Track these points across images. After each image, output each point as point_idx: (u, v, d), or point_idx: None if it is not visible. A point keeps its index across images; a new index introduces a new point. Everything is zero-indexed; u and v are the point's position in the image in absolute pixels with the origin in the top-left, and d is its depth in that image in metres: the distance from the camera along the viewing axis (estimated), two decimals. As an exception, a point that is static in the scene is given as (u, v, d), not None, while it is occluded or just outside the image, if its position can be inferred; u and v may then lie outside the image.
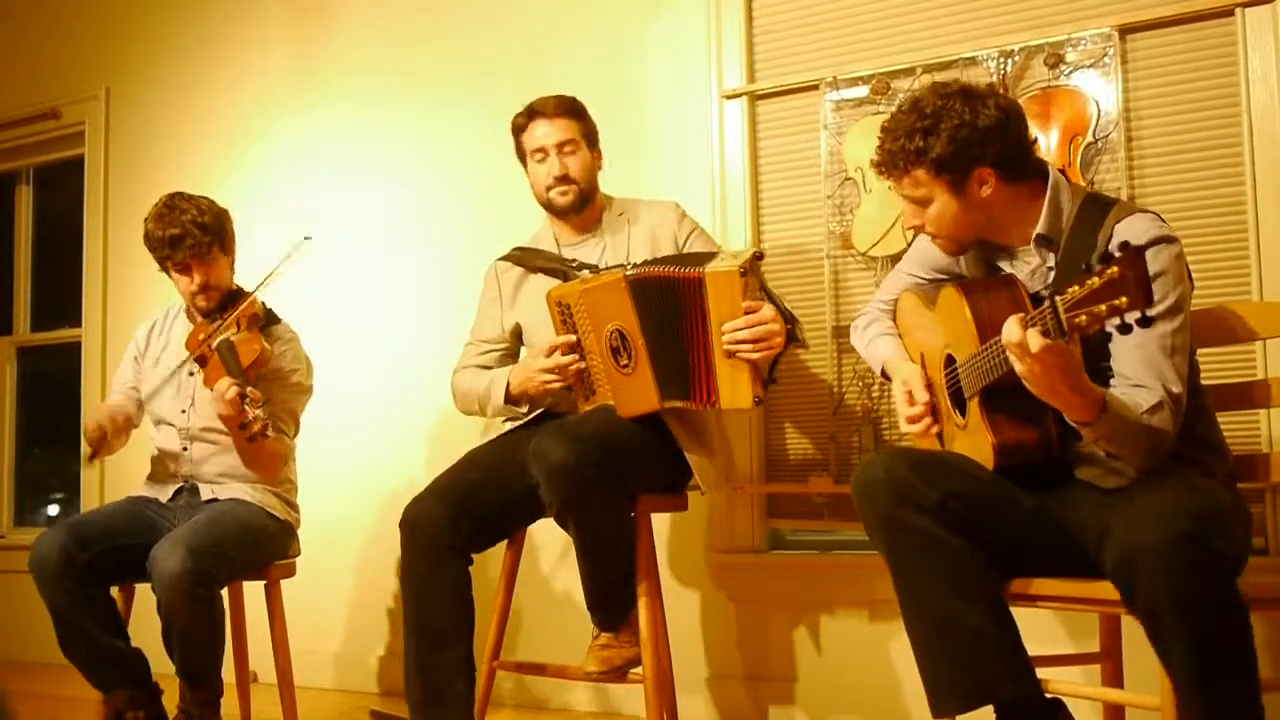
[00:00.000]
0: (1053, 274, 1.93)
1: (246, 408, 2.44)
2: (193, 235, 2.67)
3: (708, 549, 3.06)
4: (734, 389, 2.31)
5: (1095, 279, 1.50)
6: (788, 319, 2.34)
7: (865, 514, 1.89)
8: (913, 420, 2.10)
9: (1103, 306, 1.50)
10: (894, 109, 1.98)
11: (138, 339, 2.97)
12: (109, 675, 2.55)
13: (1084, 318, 1.53)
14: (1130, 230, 1.83)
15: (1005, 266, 2.03)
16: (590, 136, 2.68)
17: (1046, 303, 1.60)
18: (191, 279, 2.73)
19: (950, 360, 2.03)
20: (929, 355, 2.14)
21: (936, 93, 1.92)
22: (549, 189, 2.63)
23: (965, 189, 1.92)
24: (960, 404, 2.01)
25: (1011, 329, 1.65)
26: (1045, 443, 1.90)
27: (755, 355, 2.27)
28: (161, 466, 2.83)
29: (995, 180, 1.92)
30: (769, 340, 2.27)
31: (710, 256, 2.36)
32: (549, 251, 2.69)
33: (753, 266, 2.30)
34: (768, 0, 3.08)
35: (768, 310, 2.27)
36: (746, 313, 2.26)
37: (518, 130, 2.68)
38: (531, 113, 2.65)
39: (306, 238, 2.73)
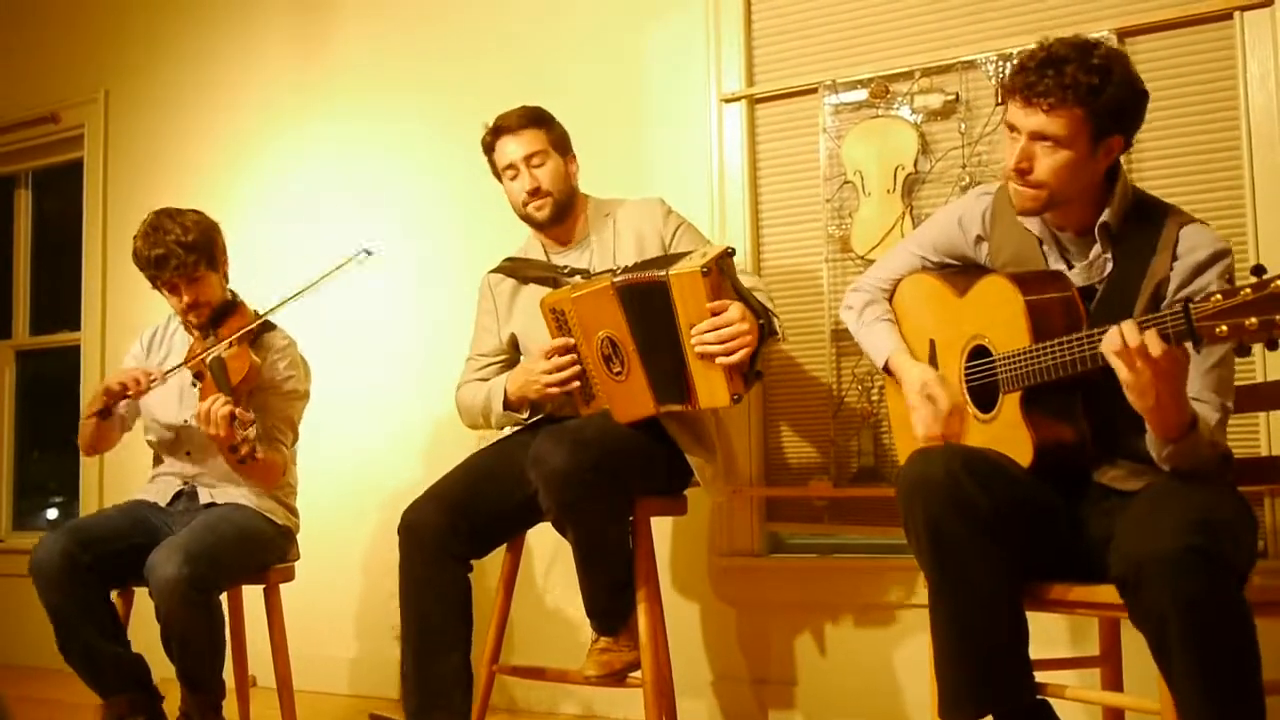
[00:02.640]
0: (1110, 265, 1.91)
1: (235, 429, 2.42)
2: (177, 255, 2.64)
3: (707, 553, 3.05)
4: (710, 388, 2.30)
5: (1249, 290, 1.47)
6: (759, 314, 2.30)
7: (912, 511, 1.81)
8: (933, 438, 2.05)
9: (1254, 320, 1.47)
10: (1040, 43, 1.87)
11: (137, 349, 2.95)
12: (109, 680, 2.54)
13: (1224, 328, 1.49)
14: (1196, 238, 1.85)
15: (1050, 254, 1.99)
16: (559, 143, 2.63)
17: (1176, 307, 1.57)
18: (180, 298, 2.70)
19: (980, 351, 2.00)
20: (942, 343, 2.12)
21: (1097, 44, 1.85)
22: (525, 205, 2.61)
23: (1096, 148, 1.86)
24: (981, 396, 2.00)
25: (1131, 333, 1.62)
26: (1081, 443, 1.89)
27: (725, 360, 2.25)
28: (164, 470, 2.82)
29: (1114, 155, 1.88)
30: (736, 341, 2.24)
31: (680, 257, 2.35)
32: (539, 260, 2.68)
33: (719, 264, 2.27)
34: (767, 4, 3.08)
35: (734, 311, 2.25)
36: (713, 314, 2.25)
37: (487, 149, 2.66)
38: (496, 130, 2.62)
39: (368, 252, 2.68)
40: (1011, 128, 1.90)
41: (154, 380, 2.63)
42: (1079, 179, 1.89)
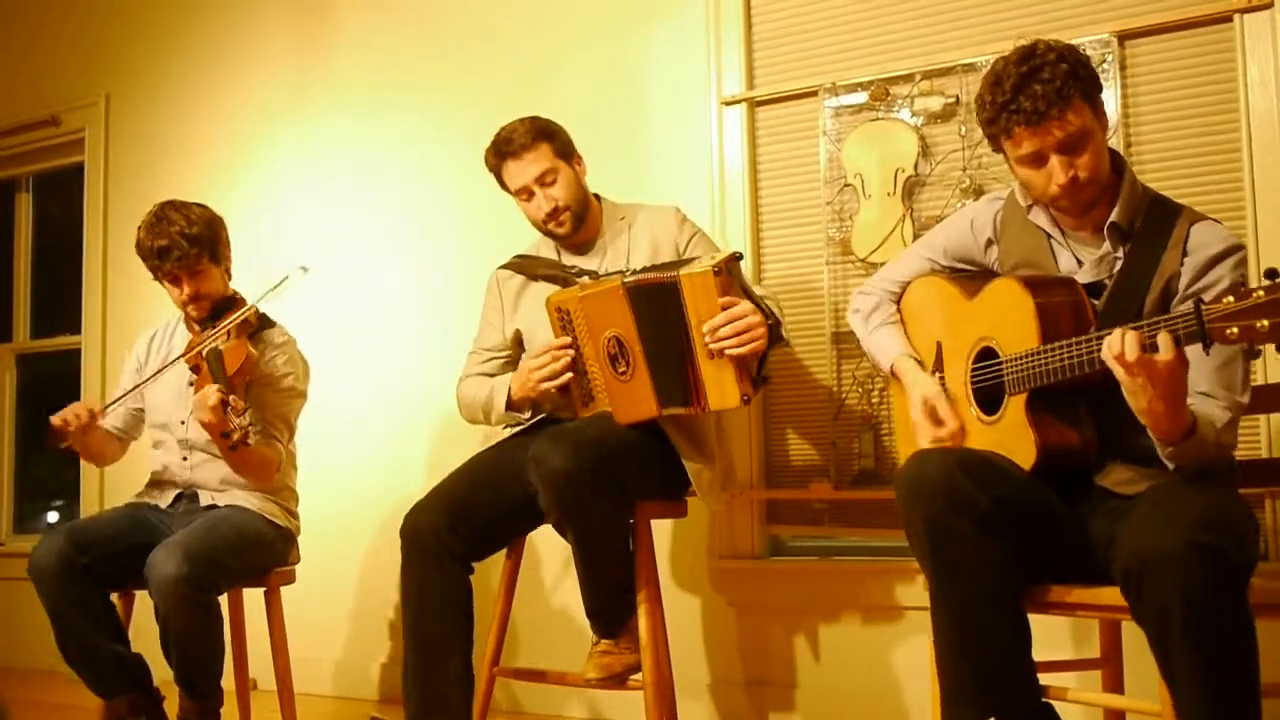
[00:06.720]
0: (1119, 264, 1.91)
1: (229, 415, 2.43)
2: (180, 247, 2.65)
3: (708, 555, 3.05)
4: (721, 389, 2.30)
5: (1261, 292, 1.48)
6: (769, 316, 2.31)
7: (911, 513, 1.81)
8: (939, 441, 2.05)
9: (1265, 322, 1.47)
10: (994, 71, 1.89)
11: (138, 350, 2.95)
12: (109, 681, 2.54)
13: (1235, 330, 1.50)
14: (1207, 234, 1.86)
15: (1060, 252, 2.00)
16: (564, 151, 2.59)
17: (1187, 307, 1.57)
18: (181, 289, 2.72)
19: (988, 353, 2.00)
20: (949, 345, 2.12)
21: (1034, 43, 1.87)
22: (545, 223, 2.59)
23: (1099, 119, 1.89)
24: (986, 399, 2.01)
25: (1131, 346, 1.62)
26: (1084, 446, 1.89)
27: (739, 351, 2.25)
28: (162, 475, 2.82)
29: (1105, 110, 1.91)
30: (750, 333, 2.25)
31: (690, 261, 2.36)
32: (549, 259, 2.69)
33: (729, 266, 2.28)
34: (767, 7, 3.09)
35: (745, 305, 2.26)
36: (724, 309, 2.25)
37: (493, 170, 2.63)
38: (499, 154, 2.58)
39: (303, 268, 2.76)
40: (1035, 157, 1.89)
41: (96, 414, 2.65)
42: (1105, 155, 1.91)
